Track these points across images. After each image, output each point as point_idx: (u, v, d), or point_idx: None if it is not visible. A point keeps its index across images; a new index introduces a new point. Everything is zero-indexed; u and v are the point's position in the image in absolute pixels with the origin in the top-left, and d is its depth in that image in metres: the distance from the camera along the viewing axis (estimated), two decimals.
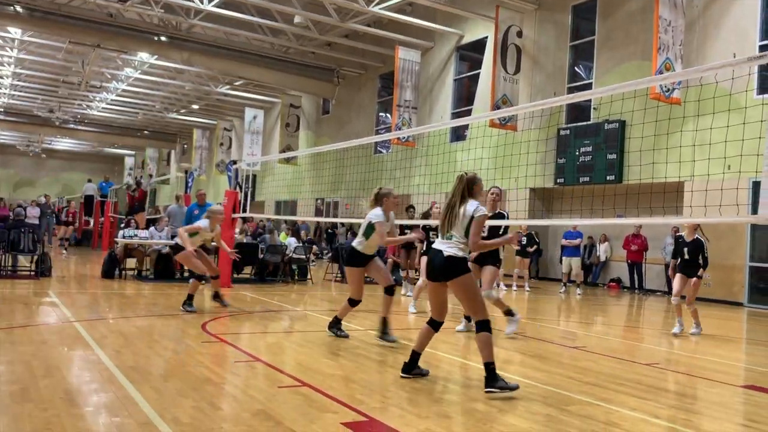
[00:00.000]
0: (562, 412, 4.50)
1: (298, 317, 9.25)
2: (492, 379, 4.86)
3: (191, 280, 8.96)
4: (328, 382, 5.09)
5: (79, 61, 27.17)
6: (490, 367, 4.87)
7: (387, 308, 7.08)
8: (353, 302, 7.17)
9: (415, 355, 5.31)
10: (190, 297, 8.75)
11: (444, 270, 5.02)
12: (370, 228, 6.91)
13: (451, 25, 21.51)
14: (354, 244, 7.12)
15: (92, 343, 6.19)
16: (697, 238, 8.93)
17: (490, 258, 7.64)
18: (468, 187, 5.11)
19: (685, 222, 12.85)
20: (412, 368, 5.31)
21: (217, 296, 9.25)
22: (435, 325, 5.27)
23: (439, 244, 5.12)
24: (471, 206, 5.04)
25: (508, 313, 7.84)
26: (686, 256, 8.92)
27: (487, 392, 4.85)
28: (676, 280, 9.03)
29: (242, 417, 4.07)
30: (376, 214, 6.90)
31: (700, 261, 8.84)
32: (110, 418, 3.96)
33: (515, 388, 4.90)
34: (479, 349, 4.96)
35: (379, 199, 7.00)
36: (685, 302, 9.00)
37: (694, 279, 8.87)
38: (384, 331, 7.05)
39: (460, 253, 5.02)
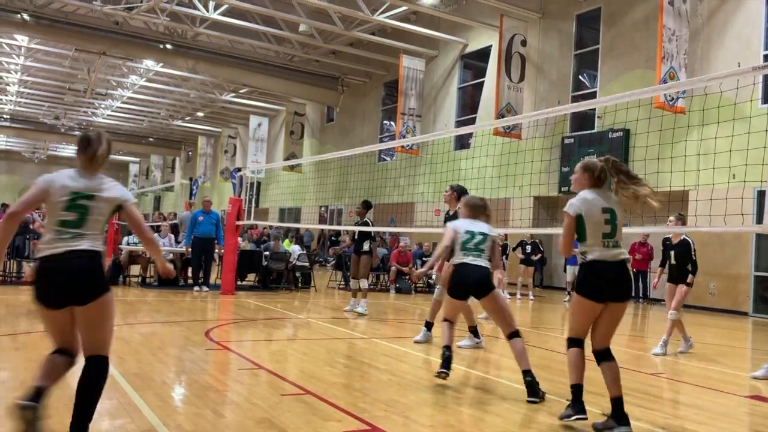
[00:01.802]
0: (565, 422, 4.47)
1: (301, 325, 9.24)
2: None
3: None
4: (331, 390, 5.08)
5: (84, 68, 27.33)
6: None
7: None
8: None
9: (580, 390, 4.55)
10: None
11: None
12: None
13: (455, 33, 21.57)
14: None
15: None
16: (684, 238, 8.15)
17: None
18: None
19: (687, 230, 12.80)
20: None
21: None
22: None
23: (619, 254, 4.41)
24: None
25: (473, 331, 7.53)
26: (673, 261, 8.07)
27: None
28: (667, 291, 8.11)
29: (245, 424, 4.07)
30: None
31: (689, 267, 7.91)
32: (113, 424, 3.95)
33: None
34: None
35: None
36: (668, 309, 8.06)
37: (683, 286, 7.89)
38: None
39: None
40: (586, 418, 4.34)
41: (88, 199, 3.46)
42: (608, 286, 4.27)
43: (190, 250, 12.74)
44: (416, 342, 7.56)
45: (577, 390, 4.37)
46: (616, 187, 4.38)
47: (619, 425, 4.15)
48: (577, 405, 4.36)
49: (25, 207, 3.54)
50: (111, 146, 3.62)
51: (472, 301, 6.46)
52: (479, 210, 5.75)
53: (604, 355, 4.37)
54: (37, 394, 3.37)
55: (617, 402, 4.20)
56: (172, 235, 14.56)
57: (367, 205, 11.16)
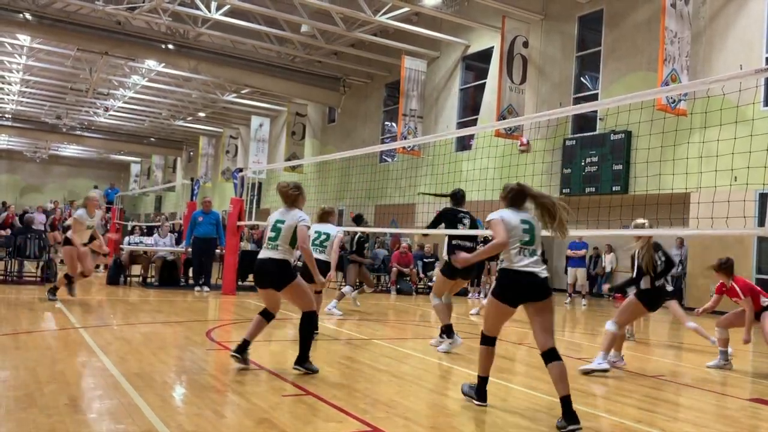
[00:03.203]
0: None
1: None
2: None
3: (58, 276, 10.21)
4: (332, 391, 5.07)
5: (86, 68, 27.34)
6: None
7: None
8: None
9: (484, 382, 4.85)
10: (56, 288, 9.84)
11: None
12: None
13: (457, 35, 21.57)
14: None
15: (97, 349, 6.19)
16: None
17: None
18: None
19: (689, 233, 12.80)
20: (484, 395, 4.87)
21: (54, 291, 9.81)
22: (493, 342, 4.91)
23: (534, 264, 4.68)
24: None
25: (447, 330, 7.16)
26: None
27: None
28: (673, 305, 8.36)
29: (246, 425, 4.06)
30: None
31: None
32: (114, 424, 3.95)
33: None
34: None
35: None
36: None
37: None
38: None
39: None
40: (486, 405, 4.76)
41: None
42: (523, 290, 4.65)
43: (189, 250, 12.74)
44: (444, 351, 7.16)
45: (481, 380, 4.80)
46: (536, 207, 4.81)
47: (569, 424, 4.26)
48: (479, 392, 4.80)
49: None
50: None
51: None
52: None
53: (550, 356, 4.55)
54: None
55: (565, 400, 4.35)
56: (172, 235, 14.58)
57: (357, 219, 11.72)
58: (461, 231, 7.21)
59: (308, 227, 5.76)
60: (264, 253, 5.75)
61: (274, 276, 5.68)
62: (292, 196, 5.83)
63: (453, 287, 7.33)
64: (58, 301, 9.59)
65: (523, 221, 4.69)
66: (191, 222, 12.81)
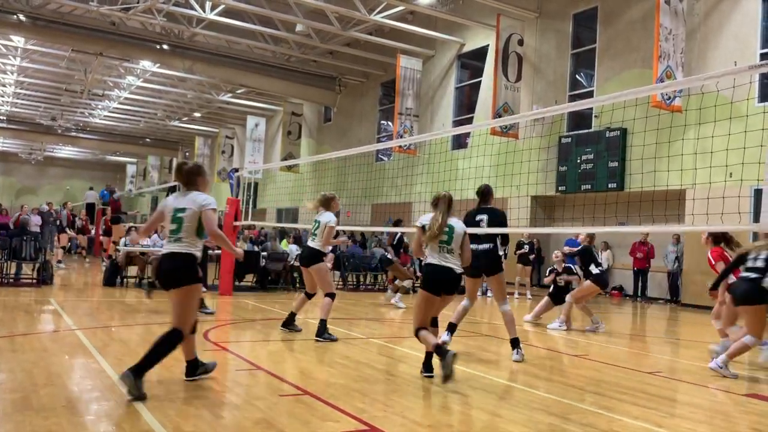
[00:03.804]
0: (564, 421, 4.49)
1: (299, 325, 9.22)
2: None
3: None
4: (329, 390, 5.08)
5: (81, 69, 27.27)
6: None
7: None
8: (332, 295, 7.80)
9: (429, 355, 5.72)
10: None
11: (457, 285, 5.78)
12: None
13: (452, 33, 21.58)
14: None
15: (94, 351, 6.18)
16: (585, 245, 9.85)
17: (494, 266, 6.98)
18: (451, 204, 5.79)
19: (684, 230, 12.84)
20: (430, 368, 5.72)
21: None
22: (433, 322, 5.90)
23: (445, 260, 5.68)
24: (461, 225, 5.86)
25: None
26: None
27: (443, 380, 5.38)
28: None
29: (243, 425, 4.06)
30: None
31: (592, 269, 9.64)
32: (111, 426, 3.95)
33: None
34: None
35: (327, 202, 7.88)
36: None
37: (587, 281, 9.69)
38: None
39: (460, 270, 5.77)
40: (432, 376, 5.63)
41: None
42: (440, 283, 5.64)
43: None
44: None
45: (428, 355, 5.71)
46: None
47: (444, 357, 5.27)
48: (426, 365, 5.72)
49: None
50: None
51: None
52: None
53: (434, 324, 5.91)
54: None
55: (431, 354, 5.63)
56: (156, 235, 14.62)
57: (397, 223, 13.34)
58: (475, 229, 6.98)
59: (215, 210, 4.99)
60: (167, 247, 4.98)
61: (174, 273, 4.85)
62: (191, 175, 5.06)
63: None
64: None
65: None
66: None
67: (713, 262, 7.52)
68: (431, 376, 5.62)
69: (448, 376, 5.30)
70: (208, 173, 5.14)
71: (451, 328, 7.25)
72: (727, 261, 7.36)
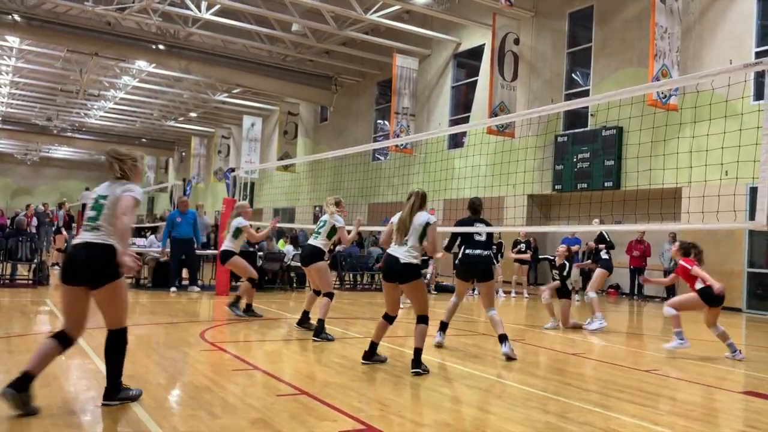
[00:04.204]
0: (561, 419, 4.49)
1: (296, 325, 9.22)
2: (417, 362, 5.81)
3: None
4: (326, 390, 5.07)
5: (77, 69, 27.21)
6: (418, 352, 5.84)
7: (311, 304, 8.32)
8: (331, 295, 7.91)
9: (374, 345, 6.19)
10: None
11: (402, 274, 5.98)
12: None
13: (448, 32, 21.58)
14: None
15: (90, 351, 6.16)
16: (600, 232, 10.38)
17: (488, 273, 7.24)
18: (423, 200, 6.10)
19: (680, 228, 12.88)
20: (372, 356, 6.17)
21: None
22: (389, 319, 6.18)
23: (396, 251, 6.02)
24: (424, 216, 6.04)
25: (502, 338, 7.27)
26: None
27: (413, 373, 5.73)
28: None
29: (240, 425, 4.06)
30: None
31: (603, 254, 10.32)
32: (108, 427, 3.94)
33: (427, 371, 5.80)
34: (416, 335, 5.91)
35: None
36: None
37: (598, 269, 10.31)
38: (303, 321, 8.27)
39: (415, 261, 5.98)
40: (369, 363, 6.10)
41: None
42: (387, 270, 6.08)
43: (168, 251, 12.61)
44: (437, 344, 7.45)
45: (372, 345, 6.15)
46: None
47: (414, 368, 5.78)
48: (372, 353, 6.14)
49: None
50: None
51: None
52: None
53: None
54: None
55: (372, 348, 6.21)
56: (152, 237, 14.67)
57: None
58: (472, 228, 7.37)
59: (137, 200, 4.30)
60: (81, 237, 4.33)
61: (91, 267, 4.21)
62: (122, 163, 4.44)
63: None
64: None
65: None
66: (168, 223, 12.72)
67: (688, 268, 7.60)
68: (366, 363, 6.10)
69: (365, 361, 6.09)
70: (142, 163, 4.61)
71: (443, 326, 7.47)
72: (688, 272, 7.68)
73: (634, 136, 14.52)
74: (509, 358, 6.71)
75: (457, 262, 7.61)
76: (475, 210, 7.52)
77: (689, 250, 7.83)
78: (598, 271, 10.38)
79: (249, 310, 9.42)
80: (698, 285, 7.53)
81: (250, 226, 9.71)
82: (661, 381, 6.24)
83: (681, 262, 7.82)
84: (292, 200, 30.00)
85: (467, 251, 7.24)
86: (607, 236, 10.76)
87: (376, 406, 4.68)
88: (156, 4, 19.45)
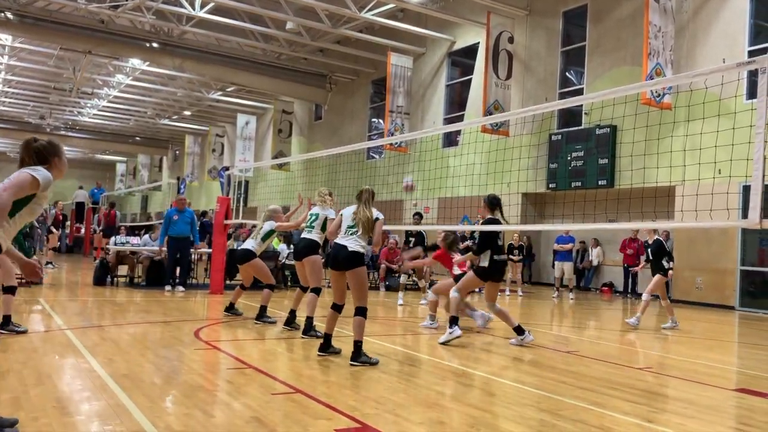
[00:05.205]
0: (555, 417, 4.51)
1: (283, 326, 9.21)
2: (357, 354, 6.01)
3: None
4: (321, 388, 5.08)
5: (70, 67, 27.09)
6: (358, 344, 6.03)
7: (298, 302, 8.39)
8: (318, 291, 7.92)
9: (328, 337, 6.43)
10: None
11: (347, 261, 6.18)
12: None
13: (442, 31, 21.58)
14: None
15: (84, 350, 6.15)
16: (657, 238, 9.98)
17: (498, 273, 7.62)
18: (373, 197, 6.53)
19: (674, 226, 12.92)
20: (327, 348, 6.40)
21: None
22: (338, 308, 6.40)
23: (343, 240, 6.28)
24: (374, 212, 6.37)
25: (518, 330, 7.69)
26: (650, 257, 9.98)
27: (351, 365, 5.90)
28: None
29: (235, 424, 4.06)
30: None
31: (664, 263, 9.81)
32: (102, 426, 3.93)
33: (376, 363, 6.00)
34: (354, 328, 6.09)
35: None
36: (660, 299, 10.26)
37: (656, 275, 9.88)
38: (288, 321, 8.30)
39: (362, 249, 6.23)
40: (324, 355, 6.35)
41: None
42: (335, 258, 6.27)
43: (164, 249, 12.57)
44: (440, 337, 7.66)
45: (326, 337, 6.44)
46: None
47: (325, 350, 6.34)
48: (326, 345, 6.42)
49: None
50: None
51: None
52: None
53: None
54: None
55: (327, 340, 6.47)
56: (147, 236, 14.60)
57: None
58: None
59: (34, 180, 3.54)
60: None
61: None
62: (39, 153, 3.74)
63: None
64: None
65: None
66: (165, 221, 12.67)
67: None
68: (322, 355, 6.34)
69: (320, 353, 6.35)
70: (63, 153, 3.88)
71: (454, 320, 7.53)
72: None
73: (627, 134, 14.56)
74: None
75: (485, 266, 7.51)
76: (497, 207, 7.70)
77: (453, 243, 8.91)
78: (658, 278, 10.07)
79: (231, 308, 9.46)
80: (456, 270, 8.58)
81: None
82: (654, 378, 6.26)
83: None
84: (286, 199, 29.92)
85: (495, 257, 7.44)
86: (666, 246, 10.48)
87: (371, 405, 4.69)
88: (150, 2, 19.38)
